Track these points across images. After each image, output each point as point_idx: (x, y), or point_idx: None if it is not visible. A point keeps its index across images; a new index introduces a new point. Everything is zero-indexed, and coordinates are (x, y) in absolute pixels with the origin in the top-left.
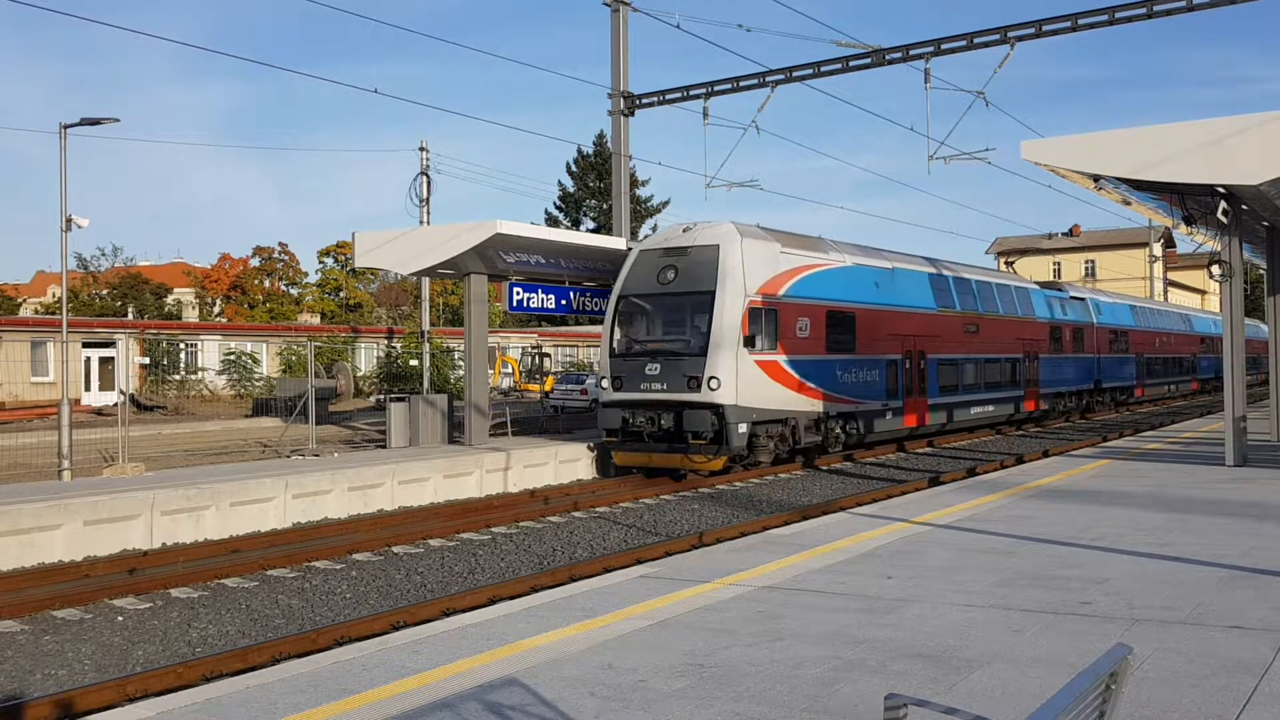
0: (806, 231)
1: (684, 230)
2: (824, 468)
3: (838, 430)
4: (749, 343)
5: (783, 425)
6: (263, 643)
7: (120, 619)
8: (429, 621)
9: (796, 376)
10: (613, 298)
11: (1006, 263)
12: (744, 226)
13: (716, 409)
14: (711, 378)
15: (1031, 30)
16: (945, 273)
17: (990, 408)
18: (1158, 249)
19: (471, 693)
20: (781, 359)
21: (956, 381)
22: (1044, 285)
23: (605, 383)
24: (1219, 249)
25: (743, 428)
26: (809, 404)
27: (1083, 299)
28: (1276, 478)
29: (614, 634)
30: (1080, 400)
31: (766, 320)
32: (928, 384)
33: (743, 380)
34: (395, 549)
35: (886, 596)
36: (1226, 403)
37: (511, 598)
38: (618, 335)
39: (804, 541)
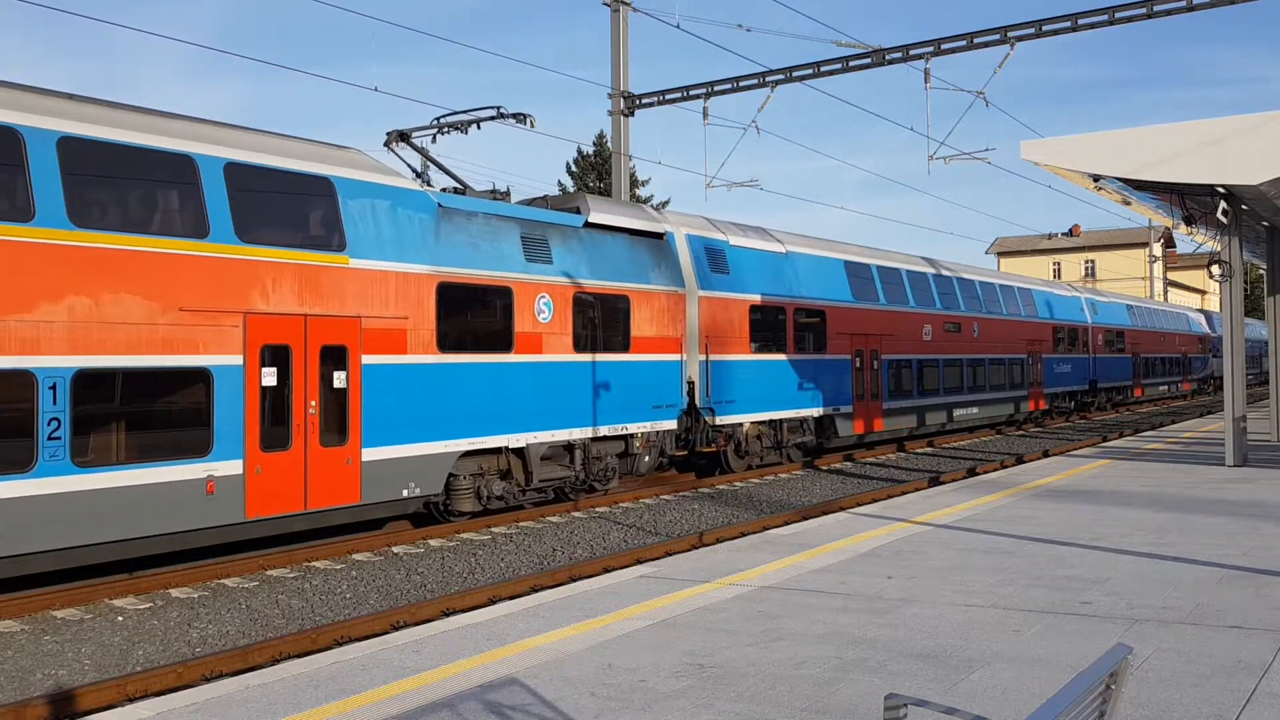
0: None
1: None
2: (824, 468)
3: None
4: None
5: None
6: (263, 642)
7: (120, 619)
8: (429, 621)
9: None
10: None
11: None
12: None
13: None
14: None
15: (1031, 30)
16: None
17: None
18: (1158, 249)
19: (471, 693)
20: None
21: None
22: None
23: None
24: (1219, 249)
25: None
26: None
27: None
28: (1276, 478)
29: (614, 634)
30: None
31: None
32: None
33: None
34: (395, 549)
35: (887, 596)
36: (1226, 403)
37: (511, 598)
38: None
39: (804, 541)
